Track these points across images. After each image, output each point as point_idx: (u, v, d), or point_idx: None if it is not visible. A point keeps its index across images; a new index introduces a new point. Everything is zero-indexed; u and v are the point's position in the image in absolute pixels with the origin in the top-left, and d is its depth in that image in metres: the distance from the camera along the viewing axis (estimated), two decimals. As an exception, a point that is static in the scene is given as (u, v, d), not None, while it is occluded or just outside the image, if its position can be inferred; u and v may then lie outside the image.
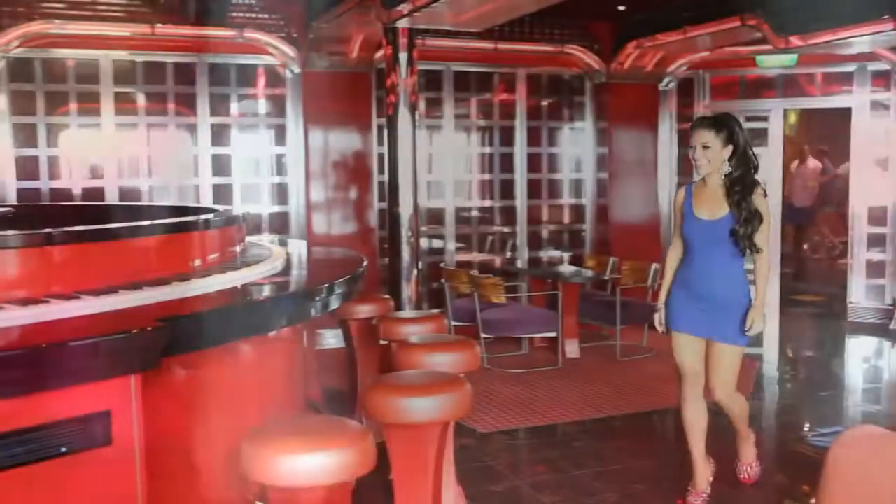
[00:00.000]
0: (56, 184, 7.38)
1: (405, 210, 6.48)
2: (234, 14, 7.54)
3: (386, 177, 6.84)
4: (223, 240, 3.81)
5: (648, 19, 8.50)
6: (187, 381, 2.79)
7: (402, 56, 6.49)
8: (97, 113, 7.47)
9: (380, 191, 8.12)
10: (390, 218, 6.62)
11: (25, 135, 7.28)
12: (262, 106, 8.11)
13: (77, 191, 7.41)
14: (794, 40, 7.74)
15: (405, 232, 6.47)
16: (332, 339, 6.96)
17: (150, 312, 2.69)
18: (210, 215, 3.83)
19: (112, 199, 7.40)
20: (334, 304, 3.55)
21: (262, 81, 8.06)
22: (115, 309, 2.77)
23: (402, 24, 6.39)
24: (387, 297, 5.23)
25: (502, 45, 8.50)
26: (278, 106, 8.05)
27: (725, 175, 3.90)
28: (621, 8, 8.31)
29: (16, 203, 6.90)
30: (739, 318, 3.91)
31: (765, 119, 9.24)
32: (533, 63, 8.91)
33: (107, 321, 2.61)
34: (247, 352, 3.20)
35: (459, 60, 8.64)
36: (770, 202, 4.14)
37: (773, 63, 8.98)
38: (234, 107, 7.95)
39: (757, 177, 3.96)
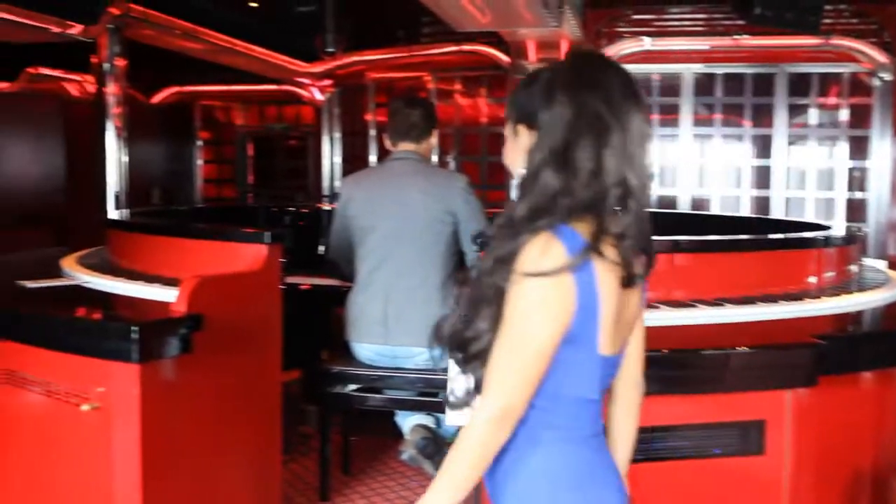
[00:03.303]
0: (632, 190, 7.86)
1: None
2: (822, 21, 7.23)
3: None
4: (841, 258, 3.66)
5: None
6: (836, 404, 2.71)
7: None
8: (675, 124, 7.78)
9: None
10: None
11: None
12: (842, 116, 7.67)
13: (653, 197, 7.81)
14: None
15: None
16: None
17: (792, 327, 2.68)
18: (829, 232, 3.71)
19: (684, 207, 7.65)
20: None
21: (842, 90, 7.62)
22: (755, 320, 2.82)
23: None
24: None
25: None
26: (860, 116, 7.54)
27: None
28: None
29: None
30: None
31: None
32: None
33: (753, 332, 2.67)
34: (880, 382, 3.02)
35: None
36: None
37: None
38: (812, 116, 7.66)
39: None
